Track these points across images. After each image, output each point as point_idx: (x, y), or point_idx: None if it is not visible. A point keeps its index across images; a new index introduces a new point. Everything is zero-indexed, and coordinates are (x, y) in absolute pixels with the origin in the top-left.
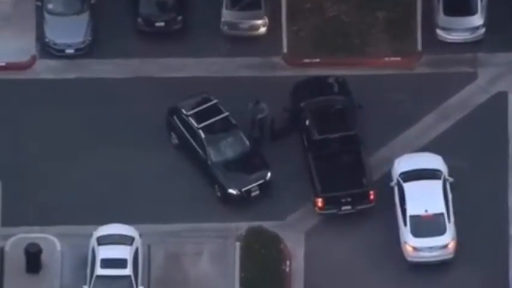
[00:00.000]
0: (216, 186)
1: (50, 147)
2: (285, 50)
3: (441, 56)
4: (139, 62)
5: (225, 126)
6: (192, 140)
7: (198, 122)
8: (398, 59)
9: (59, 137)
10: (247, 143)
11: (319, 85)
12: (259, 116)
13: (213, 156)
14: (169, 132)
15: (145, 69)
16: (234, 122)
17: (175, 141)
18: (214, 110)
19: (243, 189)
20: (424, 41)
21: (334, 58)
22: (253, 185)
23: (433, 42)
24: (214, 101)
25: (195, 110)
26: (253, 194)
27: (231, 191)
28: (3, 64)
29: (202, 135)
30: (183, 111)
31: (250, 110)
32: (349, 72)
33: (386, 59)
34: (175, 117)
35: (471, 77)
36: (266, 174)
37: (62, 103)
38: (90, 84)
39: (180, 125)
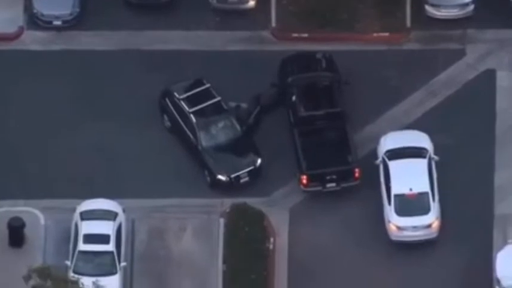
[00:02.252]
0: (206, 171)
1: (37, 119)
2: (273, 24)
3: (430, 32)
4: (127, 35)
5: (217, 111)
6: (183, 124)
7: (190, 106)
8: (387, 34)
9: (45, 110)
10: (239, 128)
11: (306, 61)
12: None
13: (204, 141)
14: (161, 115)
15: (133, 42)
16: (225, 107)
17: (167, 123)
18: (207, 95)
19: (232, 176)
20: (413, 17)
21: (323, 33)
22: (243, 171)
23: (422, 19)
24: (207, 85)
25: (188, 93)
26: (242, 180)
27: (220, 177)
28: None
29: (194, 119)
30: (176, 94)
31: (232, 109)
32: (338, 48)
33: (375, 34)
34: (167, 100)
35: (460, 54)
36: (256, 161)
37: (49, 75)
38: (78, 56)
39: (172, 108)
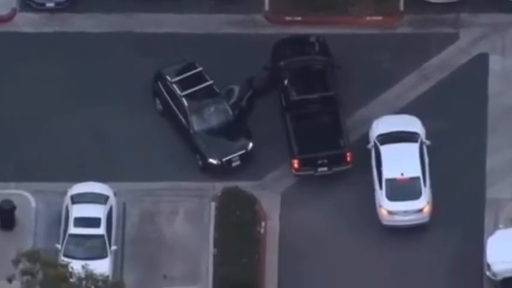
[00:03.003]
0: (197, 155)
1: (29, 102)
2: (266, 7)
3: (423, 16)
4: (120, 17)
5: (209, 95)
6: (175, 108)
7: (182, 90)
8: (380, 18)
9: (37, 92)
10: (231, 112)
11: (299, 44)
12: (232, 100)
13: (196, 124)
14: (153, 98)
15: (127, 24)
16: (218, 90)
17: (159, 107)
18: (199, 78)
19: (224, 159)
20: (406, 1)
21: (316, 16)
22: (234, 155)
23: (415, 2)
24: (199, 69)
25: (180, 77)
26: (234, 164)
27: (211, 160)
28: None
29: (186, 103)
30: (168, 77)
31: (223, 95)
32: (331, 31)
33: (368, 18)
34: (159, 83)
35: (453, 38)
36: (248, 144)
37: (41, 57)
38: (71, 39)
39: (164, 92)
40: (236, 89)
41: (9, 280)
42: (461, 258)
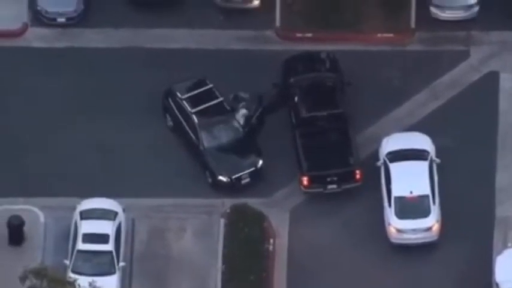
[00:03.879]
0: (207, 172)
1: (38, 116)
2: (277, 23)
3: (434, 34)
4: (131, 32)
5: (219, 112)
6: (185, 124)
7: (192, 106)
8: (391, 35)
9: (47, 107)
10: (241, 129)
11: (309, 61)
12: (243, 112)
13: (206, 141)
14: (164, 114)
15: (137, 40)
16: (228, 107)
17: (170, 123)
18: (209, 95)
19: (233, 177)
20: (417, 18)
21: (327, 33)
22: (244, 172)
23: (426, 20)
24: (210, 86)
25: (190, 93)
26: (243, 181)
27: (221, 178)
28: None
29: (196, 120)
30: (178, 94)
31: (230, 102)
32: (341, 48)
33: (379, 35)
34: (170, 100)
35: (464, 56)
36: (258, 162)
37: (51, 72)
38: (81, 54)
39: (175, 108)
40: (242, 95)
41: None
42: (470, 276)
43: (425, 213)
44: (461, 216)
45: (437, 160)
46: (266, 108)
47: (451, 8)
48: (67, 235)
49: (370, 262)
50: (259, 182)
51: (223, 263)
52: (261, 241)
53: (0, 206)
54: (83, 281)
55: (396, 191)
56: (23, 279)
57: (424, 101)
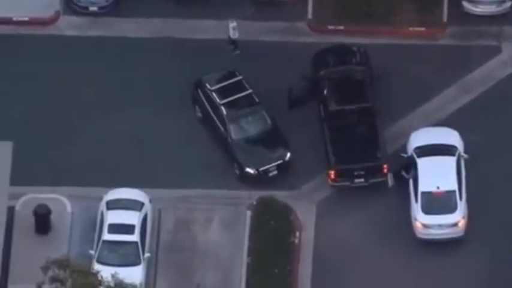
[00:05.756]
0: (235, 163)
1: (68, 105)
2: (309, 15)
3: (466, 28)
4: (162, 23)
5: (248, 104)
6: (214, 116)
7: (221, 98)
8: (423, 29)
9: (77, 96)
10: (269, 121)
11: (339, 54)
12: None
13: (234, 133)
14: (193, 105)
15: (168, 30)
16: (257, 99)
17: (199, 114)
18: (239, 87)
19: (261, 169)
20: (449, 13)
21: (359, 26)
22: (272, 165)
23: (458, 14)
24: (239, 77)
25: (219, 85)
26: (271, 174)
27: (248, 170)
28: (26, 19)
29: (224, 111)
30: (207, 85)
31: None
32: (373, 41)
33: (411, 28)
34: (199, 91)
35: (495, 51)
36: (285, 155)
37: (83, 61)
38: (112, 43)
39: (204, 99)
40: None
41: (39, 286)
42: (496, 274)
43: (451, 208)
44: (488, 213)
45: (465, 155)
46: (294, 100)
47: (483, 2)
48: (94, 225)
49: (395, 257)
50: (286, 174)
51: (249, 255)
52: (286, 234)
53: (28, 194)
54: (105, 272)
55: (423, 186)
56: (45, 269)
57: (454, 96)
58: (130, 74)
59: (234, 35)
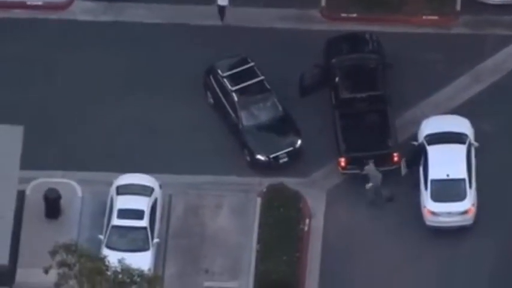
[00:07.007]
0: (246, 150)
1: (80, 90)
2: (323, 3)
3: (479, 17)
4: (175, 8)
5: (260, 90)
6: (225, 102)
7: (233, 84)
8: (436, 17)
9: (89, 81)
10: (280, 108)
11: (351, 42)
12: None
13: (245, 120)
14: (205, 92)
15: (180, 16)
16: (268, 86)
17: (210, 100)
18: (250, 73)
19: (271, 156)
20: (463, 1)
21: (372, 14)
22: (282, 151)
23: (472, 3)
24: (251, 64)
25: (231, 71)
26: (281, 160)
27: (259, 156)
28: (40, 3)
29: (235, 98)
30: (219, 71)
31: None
32: (385, 29)
33: (424, 17)
34: (211, 77)
35: (508, 41)
36: (296, 142)
37: (96, 46)
38: (125, 28)
39: (215, 86)
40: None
41: (46, 271)
42: (505, 262)
43: (461, 196)
44: (498, 201)
45: (476, 144)
46: (307, 87)
47: None
48: (104, 210)
49: (405, 245)
50: (297, 162)
51: (258, 242)
52: (296, 221)
53: (38, 179)
54: (112, 257)
55: (433, 174)
56: (53, 253)
57: (466, 85)
58: (142, 60)
59: (222, 1)
